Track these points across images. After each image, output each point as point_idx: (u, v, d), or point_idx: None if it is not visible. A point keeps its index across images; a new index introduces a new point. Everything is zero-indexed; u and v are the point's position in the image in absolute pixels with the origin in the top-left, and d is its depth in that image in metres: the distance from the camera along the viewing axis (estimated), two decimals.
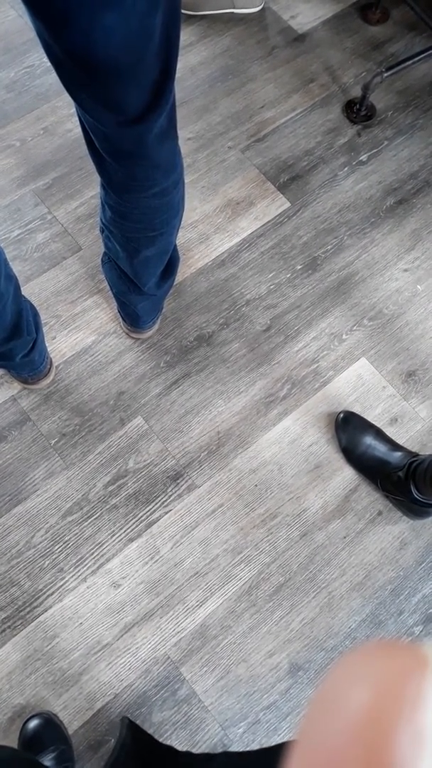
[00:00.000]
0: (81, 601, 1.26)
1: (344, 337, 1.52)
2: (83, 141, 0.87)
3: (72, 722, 1.18)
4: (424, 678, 0.18)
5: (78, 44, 0.63)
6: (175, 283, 1.40)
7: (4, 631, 1.23)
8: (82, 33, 0.61)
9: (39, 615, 1.25)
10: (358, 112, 1.76)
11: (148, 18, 0.63)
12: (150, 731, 1.18)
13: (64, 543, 1.30)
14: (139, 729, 1.10)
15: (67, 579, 1.27)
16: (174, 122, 0.83)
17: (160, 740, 1.17)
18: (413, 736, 0.17)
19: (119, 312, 1.42)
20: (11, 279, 1.01)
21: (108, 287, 1.34)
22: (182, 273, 1.55)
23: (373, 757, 0.17)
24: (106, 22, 0.60)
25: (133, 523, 1.32)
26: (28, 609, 1.25)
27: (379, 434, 1.38)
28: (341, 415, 1.40)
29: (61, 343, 1.47)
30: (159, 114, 0.76)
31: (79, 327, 1.49)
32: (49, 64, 1.79)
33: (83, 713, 1.18)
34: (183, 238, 1.59)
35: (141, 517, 1.33)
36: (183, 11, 1.82)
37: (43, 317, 1.45)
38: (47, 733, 1.12)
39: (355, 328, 1.53)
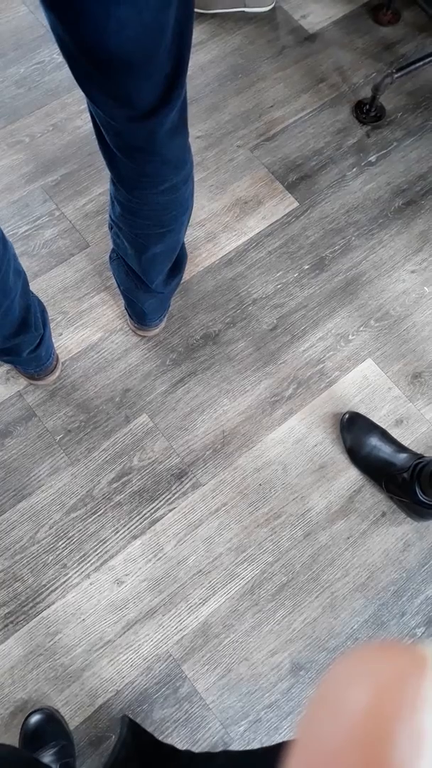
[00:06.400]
0: (84, 598, 1.26)
1: (351, 337, 1.52)
2: (92, 138, 0.87)
3: (73, 718, 1.18)
4: (422, 679, 0.18)
5: (91, 37, 0.63)
6: (182, 282, 1.40)
7: (6, 626, 1.23)
8: (96, 26, 0.61)
9: (42, 611, 1.25)
10: (368, 112, 1.75)
11: (162, 12, 0.63)
12: (151, 728, 1.18)
13: (67, 539, 1.30)
14: (140, 728, 1.09)
15: (70, 575, 1.27)
16: (185, 118, 0.83)
17: (161, 738, 1.17)
18: (412, 737, 0.17)
19: (126, 309, 1.42)
20: (20, 274, 1.01)
21: (115, 284, 1.34)
22: (189, 271, 1.55)
23: (373, 757, 0.17)
24: (119, 15, 0.60)
25: (137, 520, 1.32)
26: (31, 604, 1.25)
27: (385, 435, 1.37)
28: (346, 416, 1.40)
29: (67, 340, 1.47)
30: (170, 109, 0.76)
31: (85, 324, 1.49)
32: (59, 60, 1.80)
33: (84, 709, 1.19)
34: (191, 236, 1.59)
35: (145, 514, 1.33)
36: (194, 9, 1.82)
37: (50, 313, 1.45)
38: (48, 728, 1.13)
39: (361, 328, 1.53)
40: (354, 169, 1.71)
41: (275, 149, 1.72)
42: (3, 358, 1.24)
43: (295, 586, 1.29)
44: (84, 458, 1.36)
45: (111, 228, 1.08)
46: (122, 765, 0.95)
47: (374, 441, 1.36)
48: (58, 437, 1.38)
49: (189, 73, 0.76)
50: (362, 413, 1.42)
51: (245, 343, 1.49)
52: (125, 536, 1.31)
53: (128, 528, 1.31)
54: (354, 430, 1.38)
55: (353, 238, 1.63)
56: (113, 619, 1.25)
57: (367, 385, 1.47)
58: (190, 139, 0.89)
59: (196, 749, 1.17)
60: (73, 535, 1.30)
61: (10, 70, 1.78)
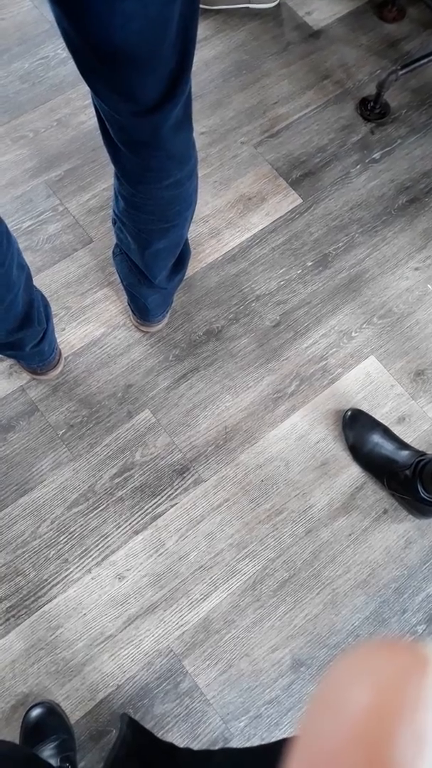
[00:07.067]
0: (85, 592, 1.26)
1: (353, 334, 1.51)
2: (96, 133, 0.87)
3: (74, 712, 1.18)
4: (424, 678, 0.18)
5: (96, 31, 0.63)
6: (185, 277, 1.40)
7: (8, 620, 1.24)
8: (101, 20, 0.61)
9: (43, 605, 1.25)
10: (372, 109, 1.75)
11: (166, 7, 0.63)
12: (151, 723, 1.18)
13: (69, 534, 1.30)
14: (139, 725, 1.10)
15: (71, 570, 1.28)
16: (190, 113, 0.83)
17: (161, 732, 1.17)
18: (414, 736, 0.17)
19: (129, 305, 1.42)
20: (23, 268, 1.01)
21: (118, 280, 1.34)
22: (193, 267, 1.55)
23: (374, 757, 0.17)
24: (124, 9, 0.60)
25: (139, 515, 1.32)
26: (32, 599, 1.25)
27: (387, 433, 1.37)
28: (349, 413, 1.40)
29: (70, 335, 1.47)
30: (175, 104, 0.76)
31: (88, 319, 1.49)
32: (63, 55, 1.80)
33: (85, 703, 1.19)
34: (194, 232, 1.59)
35: (147, 509, 1.33)
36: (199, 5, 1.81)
37: (53, 309, 1.45)
38: (49, 722, 1.13)
39: (364, 325, 1.53)
40: (358, 166, 1.71)
41: (279, 146, 1.72)
42: (6, 352, 1.24)
43: (297, 582, 1.30)
44: (86, 453, 1.37)
45: (114, 223, 1.08)
46: (122, 763, 0.95)
47: (376, 438, 1.36)
48: (61, 432, 1.38)
49: (193, 68, 0.76)
50: (365, 410, 1.41)
51: (248, 340, 1.49)
52: (127, 531, 1.31)
53: (130, 523, 1.32)
54: (356, 427, 1.38)
55: (357, 235, 1.62)
56: (114, 614, 1.25)
57: (369, 383, 1.47)
58: (194, 135, 0.89)
59: (196, 744, 1.17)
60: (75, 530, 1.31)
61: (14, 65, 1.78)
